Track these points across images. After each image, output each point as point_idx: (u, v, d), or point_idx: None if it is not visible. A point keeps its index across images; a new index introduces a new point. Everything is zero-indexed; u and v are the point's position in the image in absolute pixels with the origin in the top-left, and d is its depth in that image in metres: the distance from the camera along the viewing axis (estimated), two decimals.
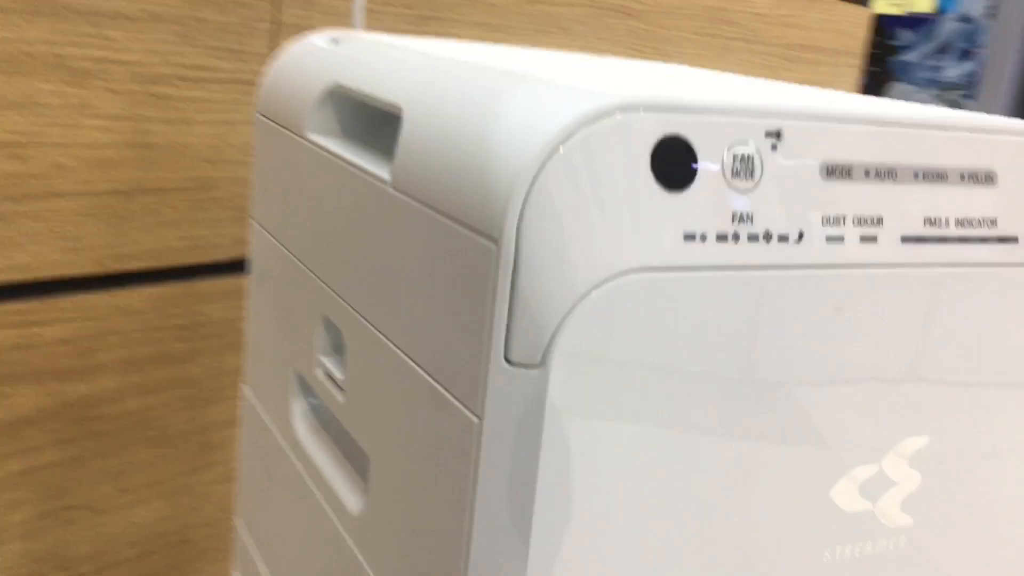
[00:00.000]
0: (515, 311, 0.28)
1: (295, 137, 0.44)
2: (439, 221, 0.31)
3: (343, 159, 0.39)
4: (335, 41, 0.47)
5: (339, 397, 0.40)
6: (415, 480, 0.34)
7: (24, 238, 0.58)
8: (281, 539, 0.48)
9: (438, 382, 0.31)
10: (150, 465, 0.69)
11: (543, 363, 0.28)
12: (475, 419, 0.29)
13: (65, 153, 0.58)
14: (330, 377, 0.42)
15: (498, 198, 0.28)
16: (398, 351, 0.34)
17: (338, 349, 0.43)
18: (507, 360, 0.29)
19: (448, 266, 0.30)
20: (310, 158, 0.42)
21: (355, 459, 0.42)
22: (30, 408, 0.61)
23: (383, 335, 0.35)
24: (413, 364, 0.33)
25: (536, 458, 0.29)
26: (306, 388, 0.46)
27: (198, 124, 0.64)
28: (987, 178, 0.34)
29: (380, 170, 0.36)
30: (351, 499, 0.40)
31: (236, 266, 0.70)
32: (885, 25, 2.27)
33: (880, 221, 0.32)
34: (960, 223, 0.34)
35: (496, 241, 0.28)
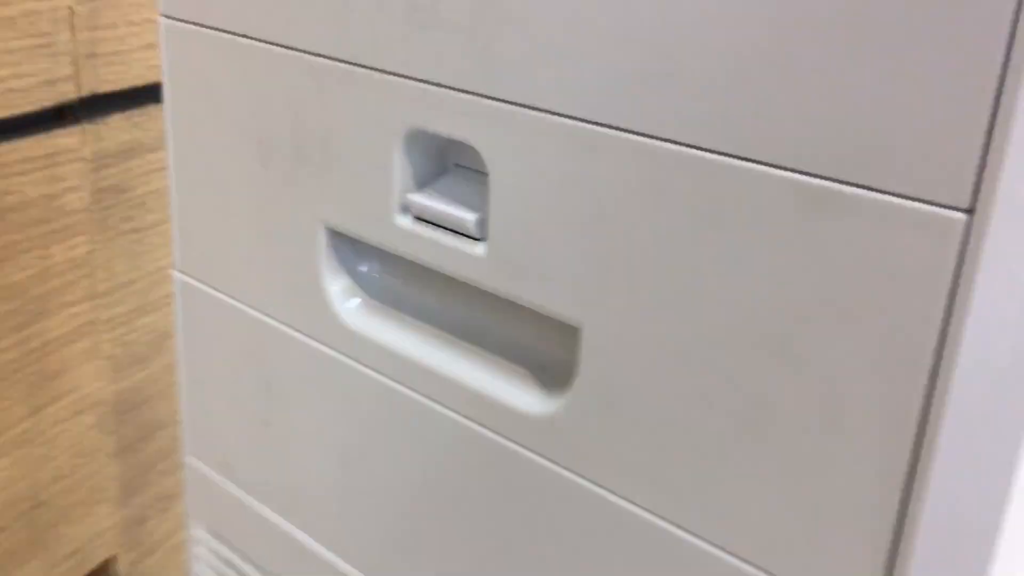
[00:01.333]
0: None
1: None
2: None
3: None
4: None
5: (474, 251, 0.26)
6: (736, 350, 0.21)
7: None
8: (319, 470, 0.33)
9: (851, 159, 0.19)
10: None
11: None
12: (960, 216, 0.18)
13: None
14: (440, 226, 0.27)
15: None
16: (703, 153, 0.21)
17: (439, 180, 0.28)
18: None
19: None
20: None
21: (509, 339, 0.28)
22: None
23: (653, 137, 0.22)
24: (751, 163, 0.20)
25: None
26: (352, 252, 0.31)
27: None
28: None
29: None
30: (521, 397, 0.27)
31: (45, 119, 0.49)
32: None
33: None
34: None
35: None
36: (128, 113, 0.54)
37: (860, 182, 0.19)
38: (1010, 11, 0.16)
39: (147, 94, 0.55)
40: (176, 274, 0.37)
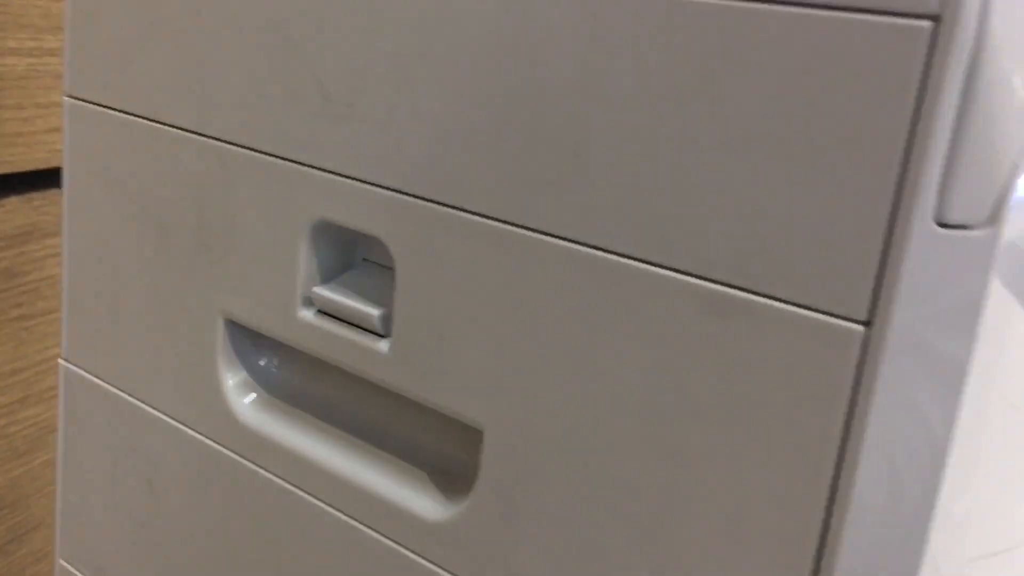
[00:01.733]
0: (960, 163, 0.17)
1: None
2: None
3: None
4: None
5: (377, 347, 0.26)
6: (634, 450, 0.21)
7: None
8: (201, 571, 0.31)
9: (752, 278, 0.19)
10: None
11: (991, 222, 0.18)
12: (858, 328, 0.18)
13: None
14: (344, 321, 0.27)
15: None
16: (601, 254, 0.21)
17: (345, 274, 0.27)
18: (940, 223, 0.18)
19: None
20: None
21: (410, 441, 0.27)
22: None
23: (552, 236, 0.22)
24: (646, 266, 0.20)
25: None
26: (250, 344, 0.30)
27: None
28: None
29: None
30: (420, 502, 0.26)
31: None
32: None
33: None
34: None
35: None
36: (27, 196, 0.52)
37: (761, 290, 0.19)
38: (906, 125, 0.17)
39: (49, 178, 0.53)
40: (62, 363, 0.35)
